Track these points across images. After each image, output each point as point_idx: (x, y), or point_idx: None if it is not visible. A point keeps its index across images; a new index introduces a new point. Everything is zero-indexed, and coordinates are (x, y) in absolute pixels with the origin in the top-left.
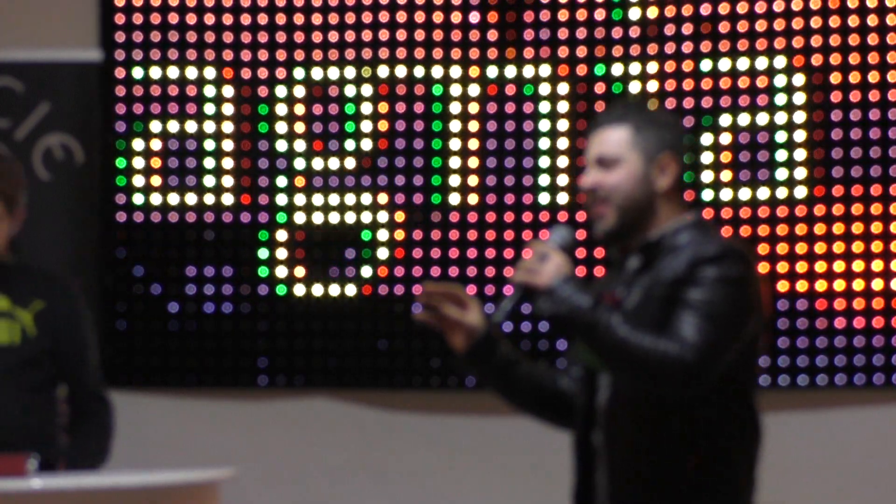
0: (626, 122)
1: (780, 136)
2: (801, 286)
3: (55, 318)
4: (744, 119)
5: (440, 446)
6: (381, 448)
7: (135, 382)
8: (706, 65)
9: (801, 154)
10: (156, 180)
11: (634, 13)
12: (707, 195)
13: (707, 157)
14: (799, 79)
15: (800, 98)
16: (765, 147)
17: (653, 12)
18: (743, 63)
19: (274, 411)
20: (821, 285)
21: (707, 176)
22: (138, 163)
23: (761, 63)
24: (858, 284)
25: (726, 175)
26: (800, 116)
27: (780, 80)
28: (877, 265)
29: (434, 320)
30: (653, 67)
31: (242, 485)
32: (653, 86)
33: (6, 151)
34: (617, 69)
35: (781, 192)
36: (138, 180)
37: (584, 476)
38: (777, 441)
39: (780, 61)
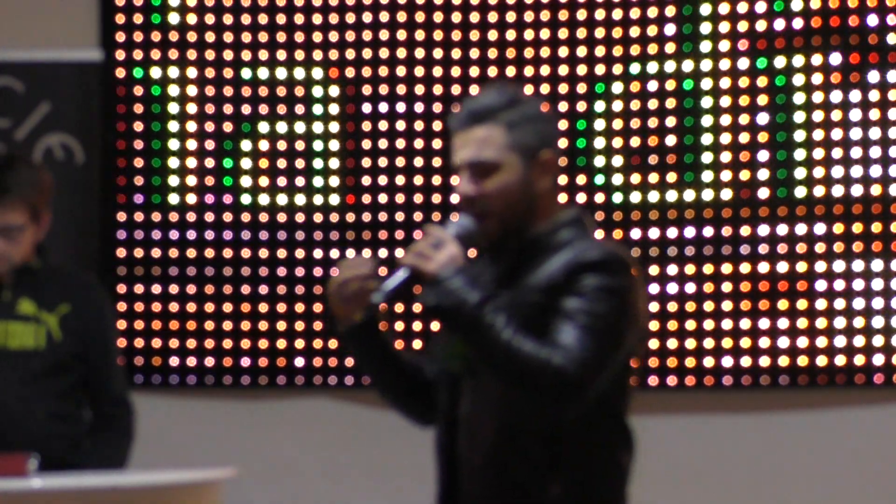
0: (496, 119)
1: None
2: (801, 286)
3: (81, 322)
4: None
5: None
6: (381, 448)
7: (135, 382)
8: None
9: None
10: (156, 180)
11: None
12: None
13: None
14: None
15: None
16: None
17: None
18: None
19: (274, 411)
20: (820, 285)
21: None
22: (138, 163)
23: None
24: (858, 284)
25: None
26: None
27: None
28: (876, 265)
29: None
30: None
31: (242, 485)
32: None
33: (7, 151)
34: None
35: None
36: (138, 180)
37: (449, 484)
38: (777, 441)
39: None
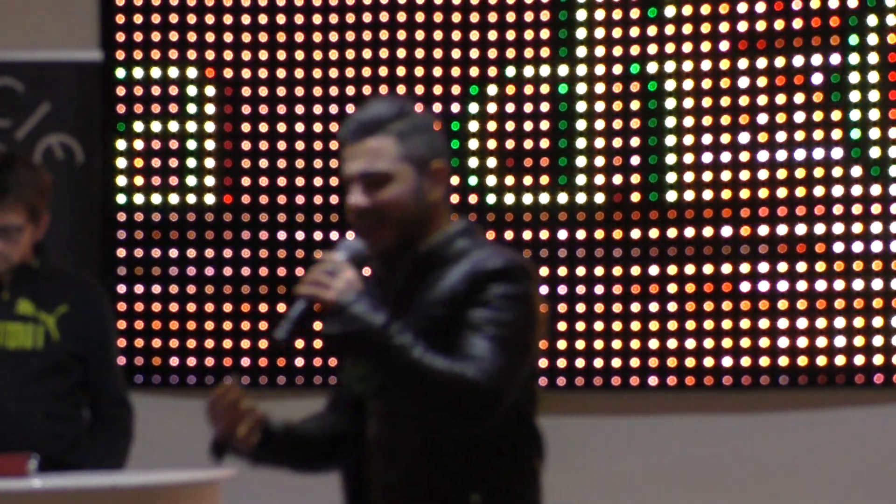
0: (387, 130)
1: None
2: (801, 286)
3: (80, 322)
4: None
5: None
6: None
7: (135, 382)
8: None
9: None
10: (156, 180)
11: None
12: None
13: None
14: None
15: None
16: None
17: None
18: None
19: (274, 411)
20: (820, 285)
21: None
22: (138, 163)
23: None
24: (858, 284)
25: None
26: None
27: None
28: (876, 265)
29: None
30: None
31: (242, 485)
32: None
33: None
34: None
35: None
36: (138, 180)
37: None
38: (777, 441)
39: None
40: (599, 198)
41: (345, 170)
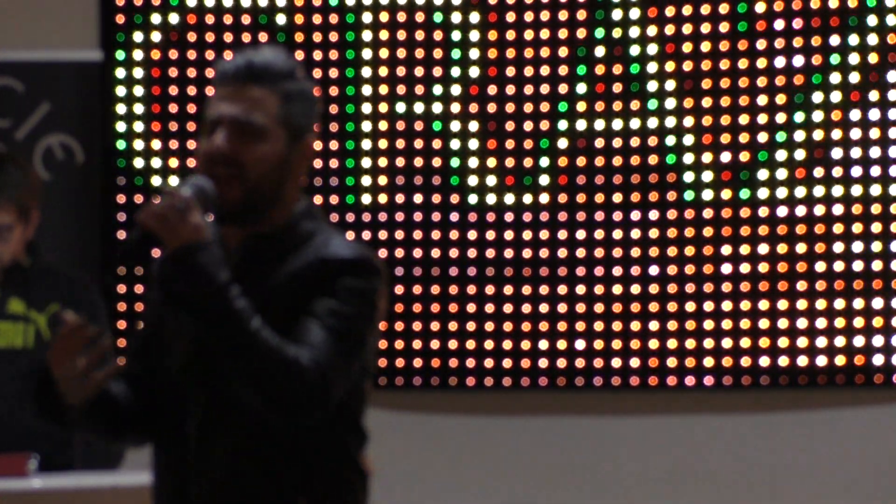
0: (276, 86)
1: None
2: (801, 286)
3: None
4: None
5: (440, 446)
6: (380, 448)
7: None
8: None
9: None
10: (156, 180)
11: None
12: None
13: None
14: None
15: None
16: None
17: None
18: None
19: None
20: (820, 285)
21: None
22: (138, 163)
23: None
24: (858, 284)
25: None
26: None
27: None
28: (876, 265)
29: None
30: None
31: None
32: None
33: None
34: None
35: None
36: (138, 180)
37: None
38: (777, 441)
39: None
40: (599, 197)
41: (214, 109)
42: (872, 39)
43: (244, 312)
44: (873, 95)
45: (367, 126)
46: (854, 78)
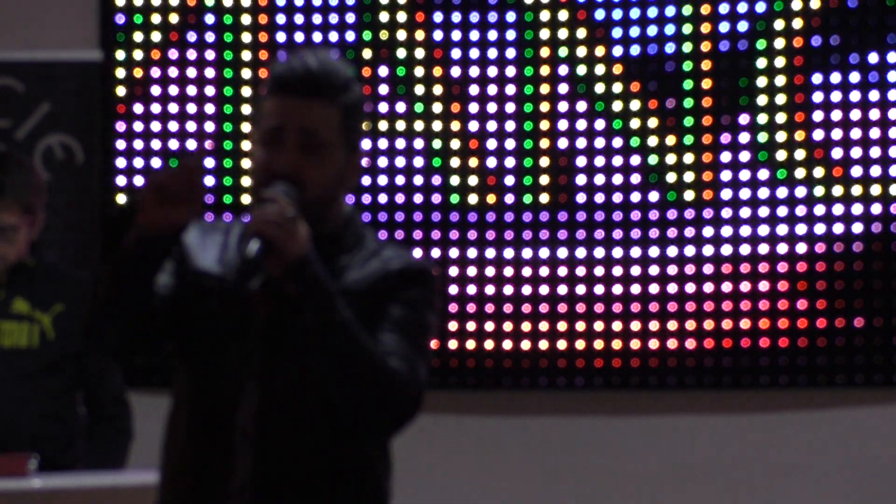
0: (338, 99)
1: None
2: (800, 286)
3: (76, 322)
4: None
5: (440, 446)
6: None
7: (135, 382)
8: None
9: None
10: None
11: None
12: None
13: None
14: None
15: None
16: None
17: None
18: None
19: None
20: (820, 285)
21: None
22: (138, 163)
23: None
24: (858, 284)
25: None
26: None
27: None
28: (876, 265)
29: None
30: None
31: None
32: None
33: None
34: None
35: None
36: (138, 180)
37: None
38: (777, 441)
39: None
40: (599, 197)
41: (275, 119)
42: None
43: (351, 323)
44: (873, 95)
45: (366, 126)
46: (854, 78)
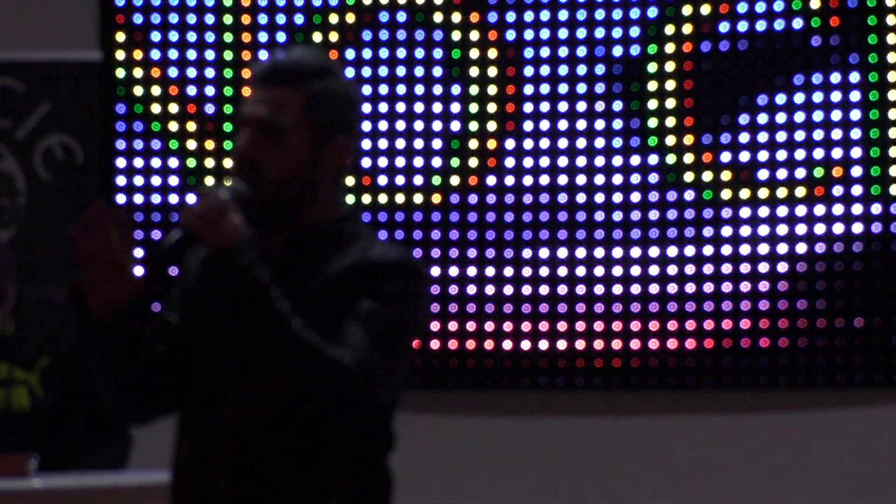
0: (302, 86)
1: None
2: (801, 286)
3: (64, 372)
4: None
5: (440, 446)
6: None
7: None
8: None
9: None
10: (156, 180)
11: None
12: None
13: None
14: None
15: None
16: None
17: None
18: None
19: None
20: (820, 285)
21: None
22: (138, 163)
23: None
24: (858, 284)
25: None
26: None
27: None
28: (876, 264)
29: (92, 250)
30: None
31: None
32: None
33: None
34: None
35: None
36: (138, 180)
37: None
38: (777, 441)
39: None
40: (599, 197)
41: (241, 110)
42: (872, 40)
43: (286, 313)
44: (873, 96)
45: (366, 126)
46: (854, 77)
